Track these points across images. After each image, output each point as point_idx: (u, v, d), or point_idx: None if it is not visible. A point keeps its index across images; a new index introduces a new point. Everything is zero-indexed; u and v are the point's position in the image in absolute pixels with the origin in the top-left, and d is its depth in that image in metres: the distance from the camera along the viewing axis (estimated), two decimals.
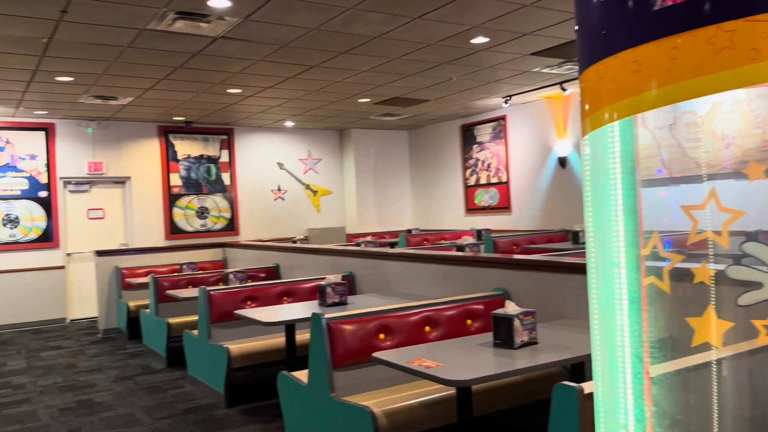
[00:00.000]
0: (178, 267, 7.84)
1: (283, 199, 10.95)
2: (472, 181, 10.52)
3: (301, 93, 7.84)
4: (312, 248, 6.63)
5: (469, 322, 3.81)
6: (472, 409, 2.96)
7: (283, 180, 10.97)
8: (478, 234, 8.78)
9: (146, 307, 7.26)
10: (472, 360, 2.80)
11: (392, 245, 8.55)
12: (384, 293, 5.13)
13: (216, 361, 4.87)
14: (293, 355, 4.44)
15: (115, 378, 5.75)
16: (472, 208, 10.54)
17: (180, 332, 6.14)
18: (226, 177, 10.41)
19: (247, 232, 10.53)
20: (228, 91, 7.49)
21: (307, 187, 11.22)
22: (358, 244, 7.42)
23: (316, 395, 3.48)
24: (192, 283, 6.79)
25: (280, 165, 10.95)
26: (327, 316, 3.47)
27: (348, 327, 3.48)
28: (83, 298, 9.15)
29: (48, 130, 8.94)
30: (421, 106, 9.18)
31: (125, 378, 5.73)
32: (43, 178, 8.90)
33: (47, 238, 8.89)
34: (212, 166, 10.29)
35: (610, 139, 1.25)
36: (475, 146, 10.43)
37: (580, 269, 3.48)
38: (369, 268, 5.47)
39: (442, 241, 8.97)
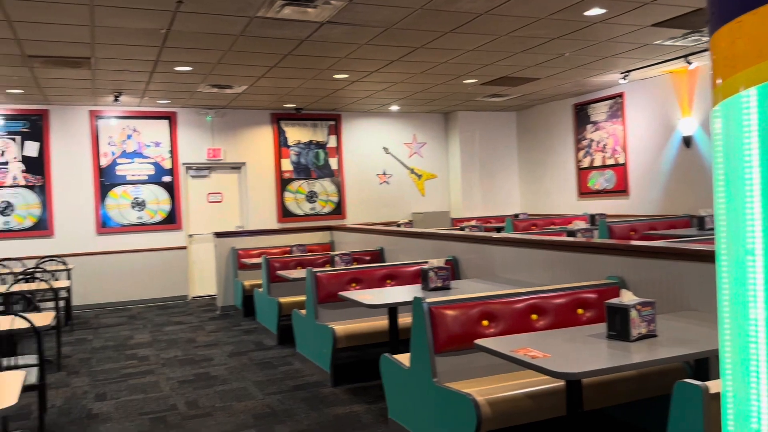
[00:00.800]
0: (289, 249, 8.11)
1: (388, 183, 11.01)
2: (585, 163, 10.01)
3: (406, 76, 7.79)
4: (416, 232, 6.60)
5: (580, 311, 3.61)
6: (582, 402, 2.80)
7: (388, 164, 11.03)
8: (592, 219, 8.35)
9: (260, 286, 7.59)
10: (583, 352, 2.64)
11: (498, 230, 8.34)
12: (488, 279, 5.00)
13: (322, 341, 4.98)
14: (396, 338, 4.44)
15: (230, 353, 6.05)
16: (585, 192, 10.05)
17: (290, 311, 6.37)
18: (333, 162, 10.62)
19: (353, 216, 10.71)
20: (335, 76, 7.59)
21: (412, 171, 11.20)
22: (462, 229, 7.31)
23: (418, 379, 3.45)
24: (301, 264, 7.00)
25: (386, 149, 11.01)
26: (428, 300, 3.42)
27: (450, 312, 3.41)
28: (203, 277, 9.73)
29: (171, 119, 9.54)
30: (531, 85, 8.83)
31: (239, 353, 6.02)
32: (167, 164, 9.52)
33: (171, 220, 9.52)
34: (320, 151, 10.54)
35: (745, 109, 1.08)
36: (589, 126, 9.91)
37: (707, 257, 3.18)
38: (473, 252, 5.35)
39: (552, 227, 8.62)
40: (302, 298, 6.40)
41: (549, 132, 10.79)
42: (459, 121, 11.10)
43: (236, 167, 10.09)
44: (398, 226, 8.52)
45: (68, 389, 5.00)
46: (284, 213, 10.28)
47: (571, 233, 6.68)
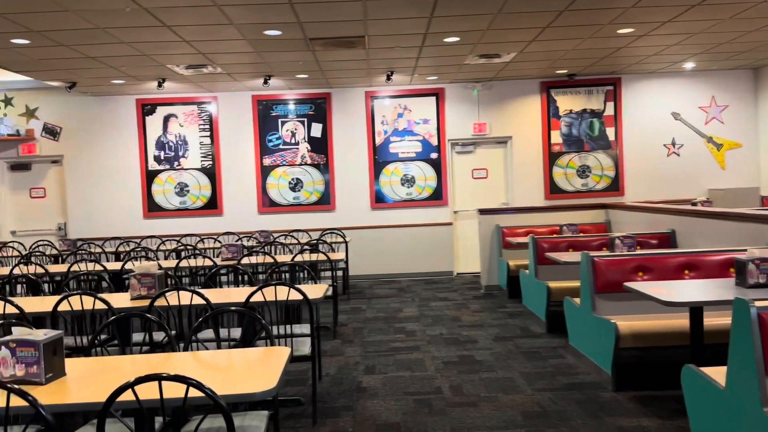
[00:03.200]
0: (558, 228, 7.47)
1: (677, 154, 9.52)
2: None
3: (707, 24, 6.46)
4: (720, 212, 5.42)
5: None
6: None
7: (678, 133, 9.52)
8: None
9: (525, 267, 7.11)
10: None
11: None
12: None
13: (601, 337, 4.32)
14: (700, 344, 3.59)
15: (495, 337, 5.72)
16: None
17: (560, 297, 5.78)
18: (610, 132, 9.54)
19: (632, 193, 9.52)
20: (618, 32, 6.64)
21: (709, 139, 9.50)
22: None
23: (741, 407, 2.64)
24: (573, 246, 6.33)
25: (675, 115, 9.51)
26: (759, 303, 2.58)
27: None
28: (468, 254, 9.61)
29: (438, 95, 9.52)
30: None
31: (505, 338, 5.66)
32: (434, 141, 9.55)
33: (437, 196, 9.56)
34: (595, 120, 9.54)
35: None
36: None
37: None
38: None
39: None
40: (575, 284, 5.75)
41: None
42: None
43: (502, 142, 9.69)
44: (694, 204, 7.23)
45: (342, 358, 5.18)
46: (552, 189, 9.58)
47: None
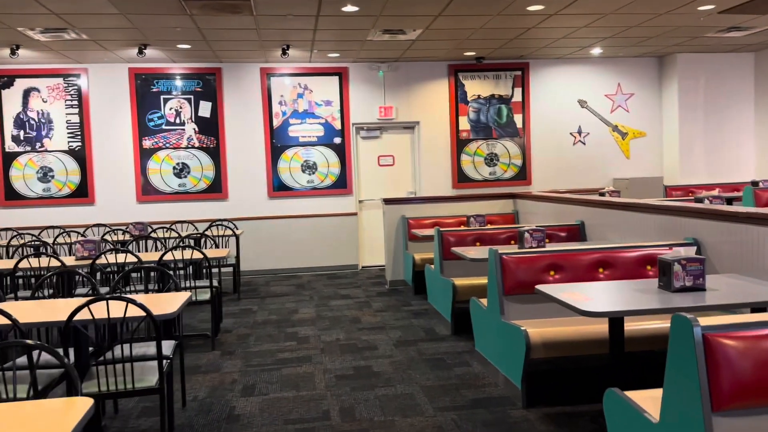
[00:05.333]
0: (465, 219, 7.01)
1: (583, 143, 9.36)
2: None
3: (619, 4, 6.15)
4: (631, 203, 5.09)
5: None
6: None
7: (584, 121, 9.35)
8: None
9: (431, 261, 6.60)
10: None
11: (729, 201, 6.42)
12: (753, 274, 3.47)
13: (511, 345, 3.83)
14: (621, 355, 3.13)
15: (397, 341, 5.15)
16: None
17: (467, 296, 5.28)
18: (518, 119, 9.22)
19: (539, 182, 9.27)
20: (528, 8, 6.20)
21: (615, 128, 9.40)
22: (700, 200, 5.59)
23: None
24: (480, 240, 5.86)
25: (582, 103, 9.33)
26: (705, 322, 2.09)
27: (738, 345, 2.05)
28: (374, 246, 9.03)
29: (341, 75, 8.82)
30: None
31: (407, 343, 5.09)
32: (338, 125, 8.86)
33: (342, 184, 8.89)
34: (503, 107, 9.19)
35: None
36: None
37: None
38: (727, 235, 3.80)
39: None
40: (482, 281, 5.28)
41: None
42: (678, 66, 9.02)
43: (409, 127, 9.15)
44: (602, 194, 6.98)
45: (217, 375, 4.42)
46: (460, 178, 9.16)
47: None
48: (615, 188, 8.58)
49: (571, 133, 9.35)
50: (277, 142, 8.73)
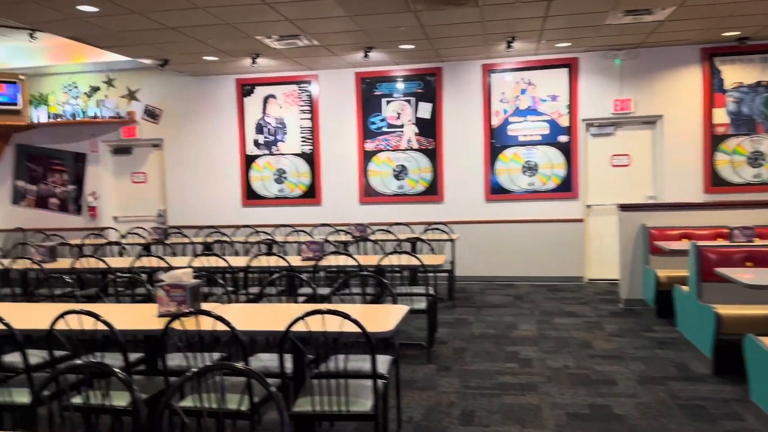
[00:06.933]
0: (726, 231, 5.82)
1: None
2: None
3: None
4: None
5: None
6: None
7: None
8: None
9: (682, 281, 5.55)
10: None
11: None
12: None
13: None
14: None
15: (640, 377, 4.32)
16: None
17: (736, 329, 4.25)
18: None
19: None
20: None
21: None
22: None
23: None
24: (752, 258, 4.72)
25: None
26: None
27: None
28: (603, 257, 8.06)
29: (570, 66, 8.01)
30: None
31: (654, 380, 4.24)
32: (564, 121, 8.07)
33: (566, 187, 8.08)
34: None
35: None
36: None
37: None
38: None
39: None
40: (758, 311, 4.19)
41: None
42: None
43: (649, 122, 7.99)
44: None
45: (433, 395, 4.06)
46: (715, 181, 7.75)
47: None
48: None
49: None
50: (496, 142, 8.22)
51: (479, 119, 8.23)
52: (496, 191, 8.25)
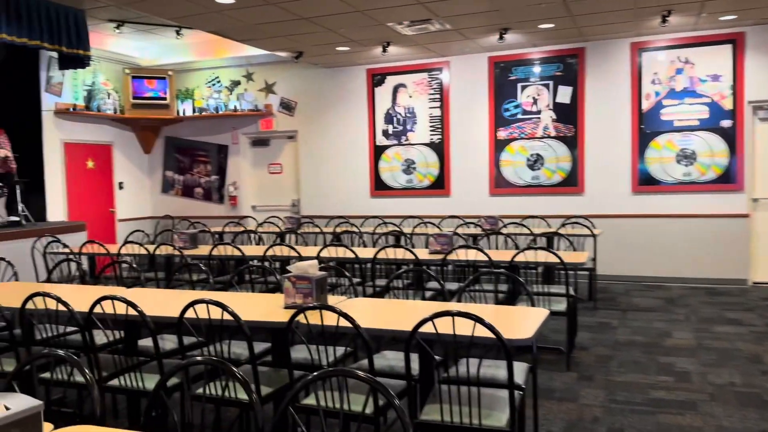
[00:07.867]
0: None
1: None
2: None
3: None
4: None
5: None
6: None
7: None
8: None
9: None
10: None
11: None
12: None
13: None
14: None
15: None
16: None
17: None
18: None
19: None
20: None
21: None
22: None
23: None
24: None
25: None
26: None
27: None
28: None
29: (735, 42, 7.05)
30: None
31: None
32: (727, 104, 7.13)
33: (728, 178, 7.16)
34: None
35: None
36: None
37: None
38: None
39: None
40: None
41: None
42: None
43: None
44: None
45: (574, 407, 3.67)
46: None
47: None
48: None
49: None
50: (646, 128, 7.46)
51: (627, 103, 7.52)
52: (645, 182, 7.50)
